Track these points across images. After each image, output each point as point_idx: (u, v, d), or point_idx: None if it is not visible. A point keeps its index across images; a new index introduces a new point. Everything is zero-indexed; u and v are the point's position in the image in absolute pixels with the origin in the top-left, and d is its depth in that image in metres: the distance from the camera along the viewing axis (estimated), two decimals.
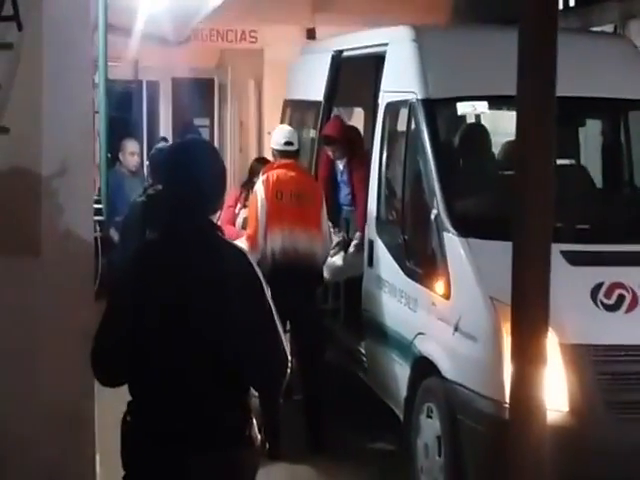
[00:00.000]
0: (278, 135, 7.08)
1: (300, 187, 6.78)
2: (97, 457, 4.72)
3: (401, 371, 6.01)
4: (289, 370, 3.27)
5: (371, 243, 6.74)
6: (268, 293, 3.28)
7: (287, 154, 6.94)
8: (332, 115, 8.21)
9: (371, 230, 6.78)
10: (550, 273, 3.42)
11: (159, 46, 13.70)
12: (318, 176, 7.91)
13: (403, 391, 5.95)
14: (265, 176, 6.81)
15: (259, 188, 6.76)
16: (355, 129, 8.64)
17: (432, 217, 5.65)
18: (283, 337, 3.28)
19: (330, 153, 7.94)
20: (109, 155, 8.64)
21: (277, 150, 7.01)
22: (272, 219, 6.63)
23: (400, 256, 6.19)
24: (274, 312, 3.27)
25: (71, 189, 4.57)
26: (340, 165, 8.02)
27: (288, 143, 6.97)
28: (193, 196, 3.29)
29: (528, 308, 3.20)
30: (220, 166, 3.43)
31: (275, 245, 6.58)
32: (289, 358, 3.27)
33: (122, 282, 3.38)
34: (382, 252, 6.53)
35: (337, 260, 7.38)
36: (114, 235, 8.04)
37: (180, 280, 3.22)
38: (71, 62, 4.57)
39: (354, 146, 7.95)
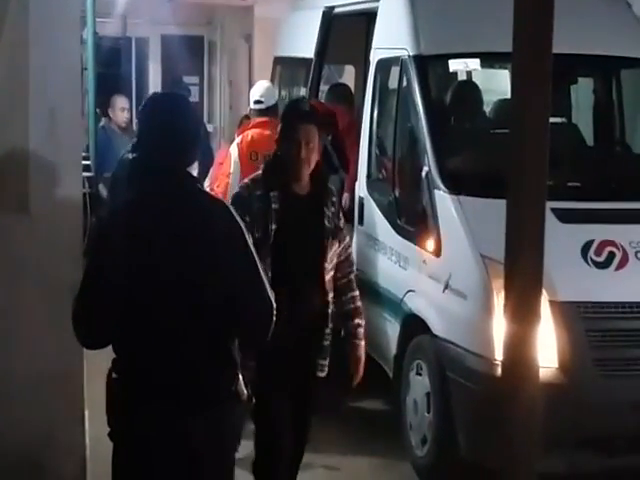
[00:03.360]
0: (251, 93, 7.01)
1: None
2: (86, 413, 4.72)
3: (391, 328, 6.02)
4: (274, 318, 3.28)
5: (361, 201, 6.71)
6: (250, 242, 3.30)
7: (259, 112, 6.88)
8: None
9: (362, 188, 6.75)
10: (544, 231, 3.40)
11: (148, 2, 13.56)
12: None
13: (393, 348, 5.96)
14: (240, 137, 6.75)
15: (233, 150, 6.70)
16: (345, 87, 8.56)
17: (423, 174, 5.63)
18: (268, 285, 3.29)
19: None
20: (98, 111, 8.57)
21: (251, 109, 6.97)
22: None
23: (391, 214, 6.17)
24: (257, 260, 3.28)
25: (59, 145, 4.52)
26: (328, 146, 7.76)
27: (257, 102, 6.88)
28: (168, 142, 3.29)
29: (522, 266, 3.18)
30: (194, 116, 3.50)
31: None
32: (274, 306, 3.28)
33: (105, 240, 3.33)
34: (373, 210, 6.51)
35: None
36: (103, 191, 8.01)
37: (164, 234, 3.20)
38: (58, 17, 4.50)
39: (333, 120, 7.71)
